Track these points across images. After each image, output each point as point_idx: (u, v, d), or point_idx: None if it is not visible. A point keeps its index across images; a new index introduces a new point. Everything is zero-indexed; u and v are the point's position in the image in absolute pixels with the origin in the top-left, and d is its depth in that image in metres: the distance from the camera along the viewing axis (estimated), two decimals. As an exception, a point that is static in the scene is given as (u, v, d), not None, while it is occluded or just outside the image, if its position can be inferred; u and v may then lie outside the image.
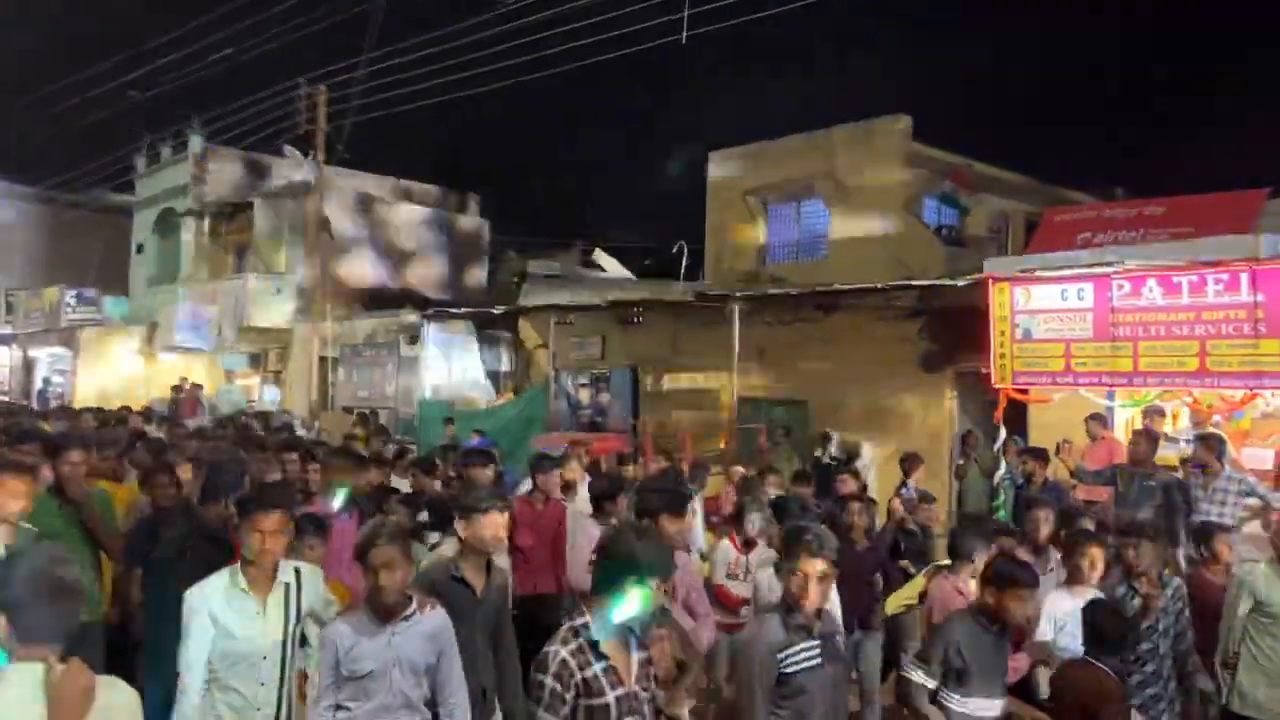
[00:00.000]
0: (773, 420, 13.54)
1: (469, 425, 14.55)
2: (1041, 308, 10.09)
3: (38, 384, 26.64)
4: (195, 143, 24.10)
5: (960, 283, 11.32)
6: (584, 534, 5.99)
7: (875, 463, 12.29)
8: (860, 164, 16.07)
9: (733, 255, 17.77)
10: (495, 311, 18.01)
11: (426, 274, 24.50)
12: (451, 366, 18.53)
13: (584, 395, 14.43)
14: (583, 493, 7.17)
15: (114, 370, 24.16)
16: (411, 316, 19.01)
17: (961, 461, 11.32)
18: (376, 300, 22.17)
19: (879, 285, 12.62)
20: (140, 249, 26.47)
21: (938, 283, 12.03)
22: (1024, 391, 10.42)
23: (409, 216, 24.87)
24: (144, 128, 26.38)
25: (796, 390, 14.06)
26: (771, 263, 17.56)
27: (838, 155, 16.48)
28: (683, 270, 17.22)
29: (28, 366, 27.95)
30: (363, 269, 23.33)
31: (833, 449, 12.30)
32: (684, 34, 11.77)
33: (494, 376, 18.70)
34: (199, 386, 20.74)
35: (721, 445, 13.44)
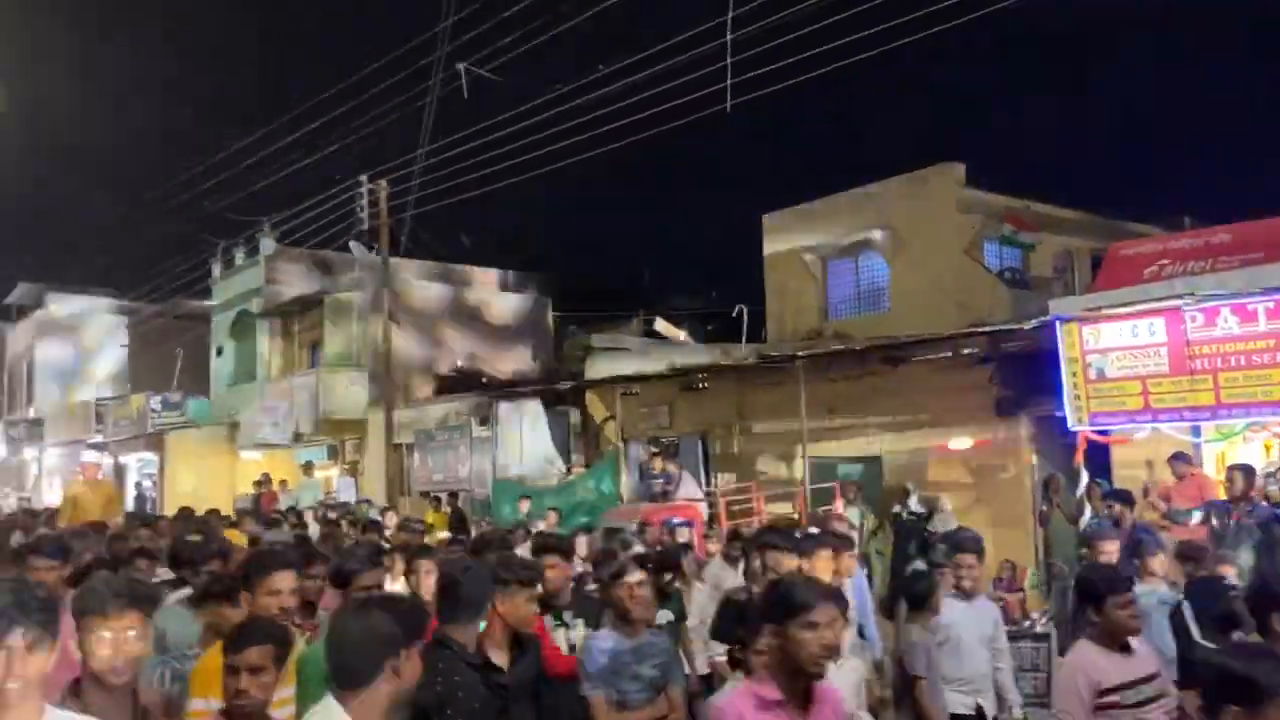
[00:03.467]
0: (846, 478, 13.35)
1: (544, 503, 14.60)
2: (1113, 345, 9.85)
3: (130, 489, 27.49)
4: (266, 245, 25.00)
5: (1028, 326, 11.13)
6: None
7: (956, 515, 12.01)
8: (916, 214, 16.04)
9: (794, 314, 17.75)
10: (562, 387, 18.17)
11: (494, 355, 24.87)
12: (523, 445, 18.65)
13: (655, 464, 14.38)
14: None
15: (200, 471, 24.83)
16: (481, 398, 19.25)
17: (1045, 508, 11.00)
18: (446, 385, 22.54)
19: (945, 334, 12.47)
20: (219, 351, 27.36)
21: (1005, 327, 11.85)
22: (1103, 432, 10.14)
23: (474, 300, 25.39)
24: (218, 235, 27.47)
25: (868, 446, 13.87)
26: (834, 319, 17.50)
27: (892, 207, 16.48)
28: (745, 333, 17.23)
29: (119, 473, 28.89)
30: (431, 355, 23.78)
31: (912, 504, 12.06)
32: (728, 103, 11.93)
33: (564, 452, 18.78)
34: (283, 482, 21.20)
35: (797, 507, 13.27)
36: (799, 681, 3.00)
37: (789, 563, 5.38)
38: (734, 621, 4.29)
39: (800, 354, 13.38)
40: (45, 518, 13.56)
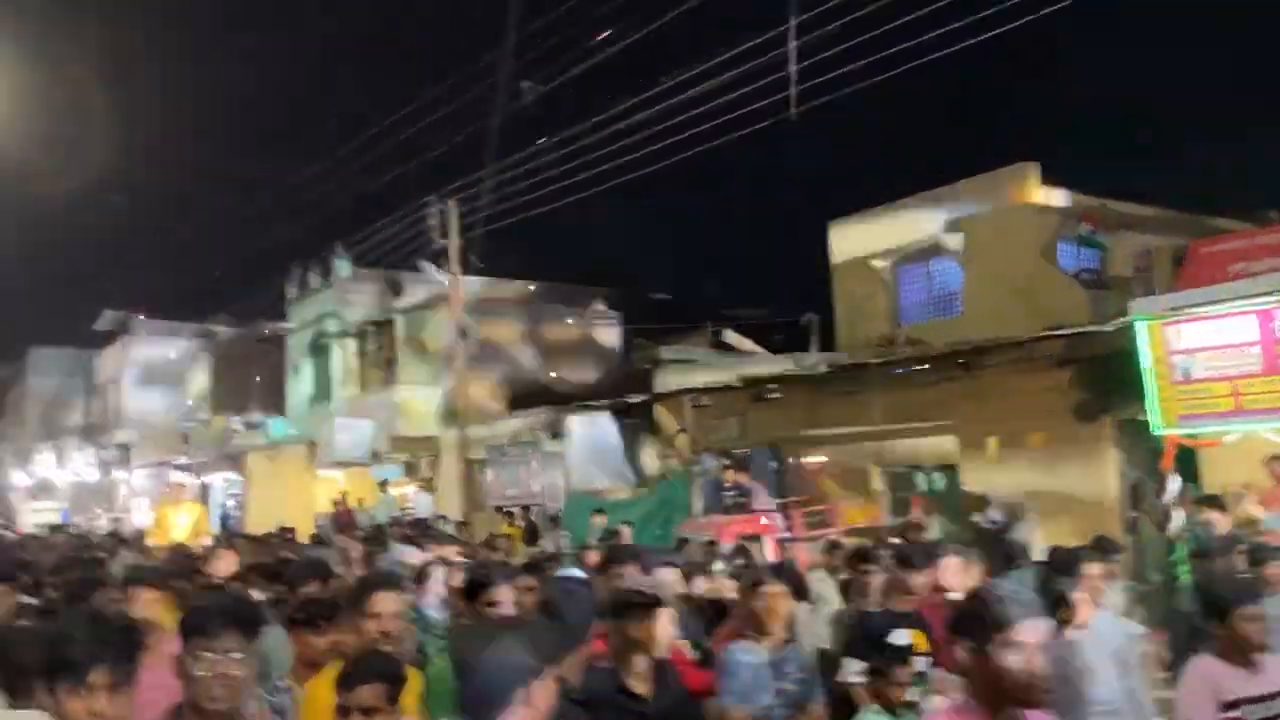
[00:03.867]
0: (923, 487, 13.13)
1: (617, 516, 14.64)
2: (1199, 345, 9.52)
3: (215, 509, 28.24)
4: (340, 267, 25.56)
5: (1108, 327, 10.83)
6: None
7: (1038, 523, 11.72)
8: (989, 216, 15.74)
9: (864, 322, 17.53)
10: (632, 400, 18.20)
11: (564, 369, 25.04)
12: (594, 458, 18.74)
13: (727, 477, 14.31)
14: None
15: (280, 490, 25.42)
16: (551, 412, 19.39)
17: (1134, 515, 10.67)
18: (518, 400, 22.74)
19: (1022, 338, 12.20)
20: (297, 371, 28.02)
21: (1083, 329, 11.55)
22: (1192, 436, 9.80)
23: (543, 315, 25.59)
24: (294, 258, 28.17)
25: (944, 454, 13.62)
26: (906, 325, 17.25)
27: (964, 210, 16.21)
28: (815, 342, 17.07)
29: (204, 493, 29.71)
30: (502, 371, 24.02)
31: (991, 512, 11.80)
32: (793, 110, 11.87)
33: (635, 465, 18.80)
34: (361, 500, 21.58)
35: (874, 517, 13.08)
36: (1005, 711, 2.61)
37: (917, 579, 5.24)
38: (874, 641, 4.14)
39: (873, 361, 13.21)
40: (134, 540, 14.02)
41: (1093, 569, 5.37)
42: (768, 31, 12.43)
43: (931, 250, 16.95)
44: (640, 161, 15.49)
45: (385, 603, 3.69)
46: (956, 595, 5.47)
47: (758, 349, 18.48)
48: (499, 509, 19.24)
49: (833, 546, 8.55)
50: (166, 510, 10.73)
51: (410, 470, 24.14)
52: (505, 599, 4.44)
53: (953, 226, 16.29)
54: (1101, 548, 5.95)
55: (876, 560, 5.83)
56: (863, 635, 4.65)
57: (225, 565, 6.68)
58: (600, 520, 14.67)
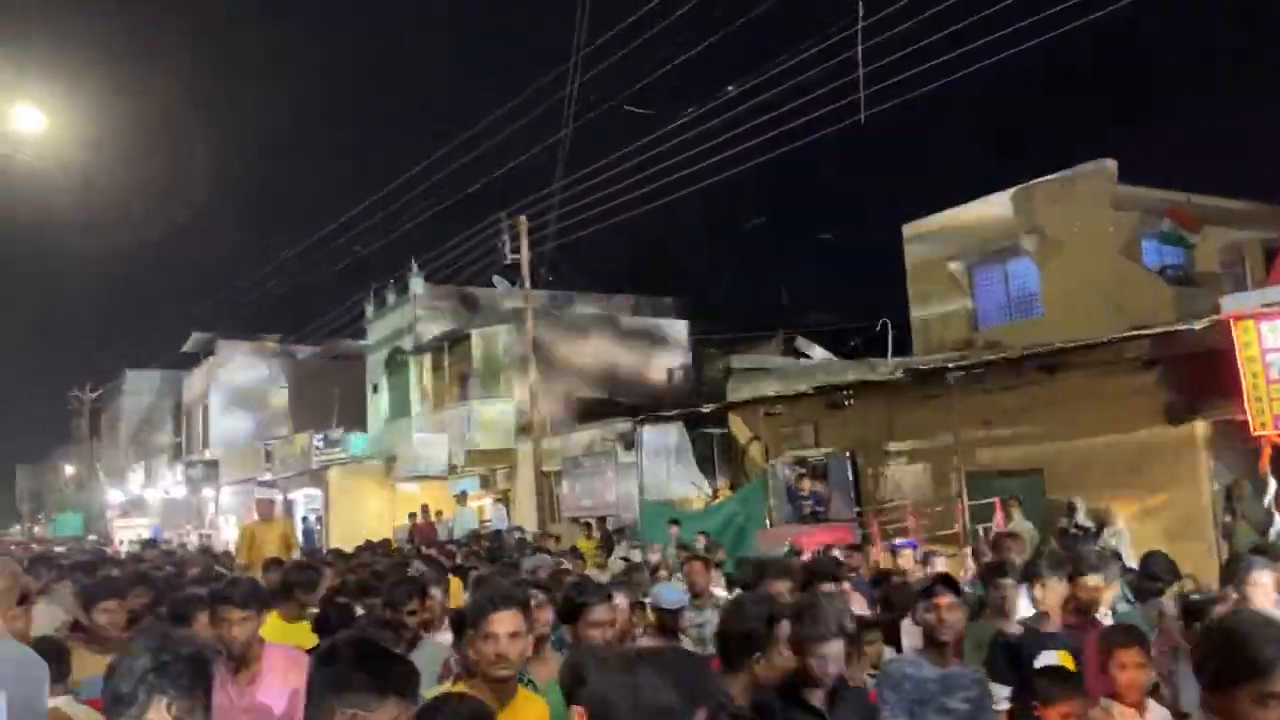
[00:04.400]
0: (1005, 493, 12.81)
1: (692, 526, 14.58)
2: (1297, 342, 9.16)
3: (298, 525, 28.85)
4: (415, 284, 26.02)
5: (1197, 326, 10.47)
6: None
7: (1128, 528, 11.36)
8: (1067, 215, 15.38)
9: (940, 326, 17.24)
10: (704, 410, 18.14)
11: (636, 380, 25.10)
12: (668, 468, 18.72)
13: (803, 485, 14.17)
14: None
15: (360, 505, 25.88)
16: (625, 424, 19.43)
17: (1229, 519, 10.28)
18: (591, 411, 22.85)
19: (1106, 338, 11.85)
20: (375, 388, 28.56)
21: (1171, 328, 11.18)
22: (1291, 436, 9.42)
23: (614, 326, 25.71)
24: (371, 277, 28.80)
25: (1027, 459, 13.28)
26: (984, 328, 16.92)
27: (1042, 210, 15.86)
28: (890, 347, 16.83)
29: (288, 509, 30.39)
30: (575, 383, 24.17)
31: (1079, 517, 11.47)
32: (862, 114, 11.75)
33: (709, 474, 18.74)
34: (439, 513, 21.85)
35: (955, 526, 12.82)
36: None
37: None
38: (1021, 665, 3.87)
39: (952, 366, 12.96)
40: (222, 558, 14.35)
41: (1262, 576, 4.73)
42: (836, 35, 12.35)
43: (1009, 251, 16.60)
44: (710, 169, 15.49)
45: (503, 623, 3.37)
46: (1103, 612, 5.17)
47: (831, 356, 18.28)
48: (575, 520, 19.32)
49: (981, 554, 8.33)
50: (256, 528, 10.85)
51: (486, 483, 24.39)
52: (606, 620, 4.27)
53: (1030, 226, 15.95)
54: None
55: (1009, 573, 5.22)
56: (1006, 658, 4.31)
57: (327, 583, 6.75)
58: (675, 530, 14.65)
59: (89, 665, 4.20)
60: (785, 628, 3.50)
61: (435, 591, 5.74)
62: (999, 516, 12.09)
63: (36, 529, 53.68)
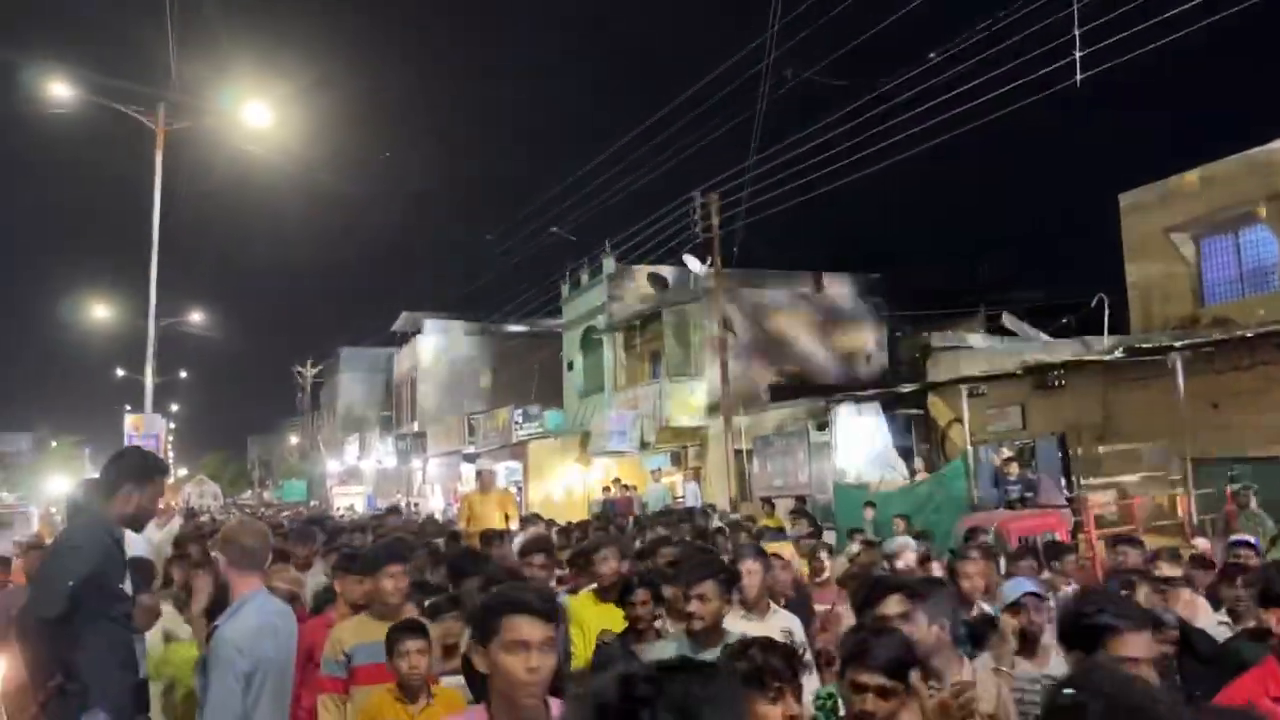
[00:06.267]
0: (1236, 481, 11.82)
1: (888, 508, 14.24)
2: None
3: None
4: (608, 265, 26.56)
5: None
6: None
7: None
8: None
9: (1161, 301, 16.08)
10: (902, 390, 17.65)
11: (829, 359, 24.72)
12: (863, 449, 18.35)
13: (1010, 469, 13.53)
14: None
15: (557, 477, 26.76)
16: (817, 403, 19.16)
17: None
18: (783, 390, 22.67)
19: (1359, 314, 10.73)
20: (570, 366, 29.39)
21: None
22: None
23: (807, 305, 25.38)
24: (566, 258, 29.61)
25: (1261, 444, 12.21)
26: (1211, 304, 15.67)
27: (1280, 173, 14.51)
28: (1106, 325, 15.83)
29: (489, 480, 31.74)
30: (767, 361, 24.05)
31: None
32: (1078, 76, 11.03)
33: (906, 456, 18.23)
34: (631, 487, 22.26)
35: (1179, 514, 11.96)
36: None
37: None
38: None
39: (1177, 345, 12.06)
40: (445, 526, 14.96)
41: None
42: (1047, -6, 11.64)
43: (1241, 220, 15.27)
44: (908, 141, 14.98)
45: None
46: None
47: (1039, 334, 17.36)
48: (765, 499, 19.25)
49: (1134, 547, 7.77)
50: (475, 498, 10.98)
51: (678, 460, 24.66)
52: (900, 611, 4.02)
53: (1269, 192, 14.59)
54: None
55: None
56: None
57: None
58: (870, 513, 14.35)
59: (369, 631, 4.15)
60: None
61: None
62: (1229, 507, 11.18)
63: (266, 494, 58.49)
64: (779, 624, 4.40)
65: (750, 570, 4.45)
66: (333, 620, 4.62)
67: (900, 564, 6.93)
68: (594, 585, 5.35)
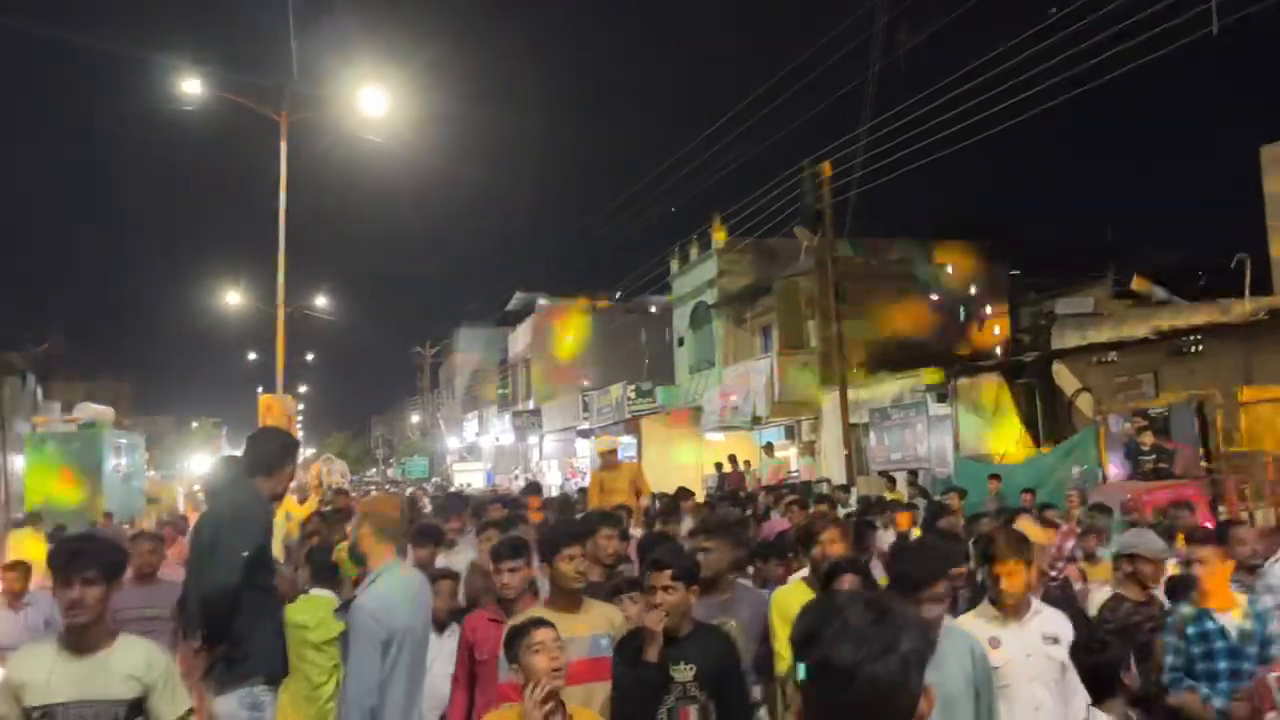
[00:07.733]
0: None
1: (1014, 481, 13.86)
2: None
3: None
4: (717, 239, 26.44)
5: None
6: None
7: None
8: None
9: (1310, 260, 15.11)
10: (1025, 359, 17.10)
11: (948, 328, 24.09)
12: (984, 421, 17.87)
13: (1144, 439, 13.00)
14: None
15: (671, 453, 26.85)
16: (936, 374, 18.72)
17: None
18: (900, 361, 22.20)
19: None
20: (681, 342, 29.43)
21: None
22: None
23: (924, 273, 24.75)
24: (675, 234, 29.59)
25: None
26: (1367, 260, 14.66)
27: None
28: (1248, 286, 14.96)
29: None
30: (882, 333, 23.57)
31: None
32: (1214, 25, 10.40)
33: (1031, 427, 17.66)
34: (747, 463, 22.20)
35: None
36: None
37: None
38: None
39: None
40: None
41: None
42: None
43: (1401, 169, 14.22)
44: (1028, 102, 14.40)
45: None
46: None
47: (1172, 297, 16.53)
48: (882, 474, 18.94)
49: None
50: (604, 474, 10.96)
51: (791, 434, 24.48)
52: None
53: None
54: None
55: None
56: None
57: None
58: (995, 485, 14.00)
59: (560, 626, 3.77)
60: None
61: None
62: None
63: (389, 471, 60.50)
64: (1040, 627, 3.89)
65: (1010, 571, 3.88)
66: (494, 613, 4.24)
67: None
68: (803, 573, 4.93)
